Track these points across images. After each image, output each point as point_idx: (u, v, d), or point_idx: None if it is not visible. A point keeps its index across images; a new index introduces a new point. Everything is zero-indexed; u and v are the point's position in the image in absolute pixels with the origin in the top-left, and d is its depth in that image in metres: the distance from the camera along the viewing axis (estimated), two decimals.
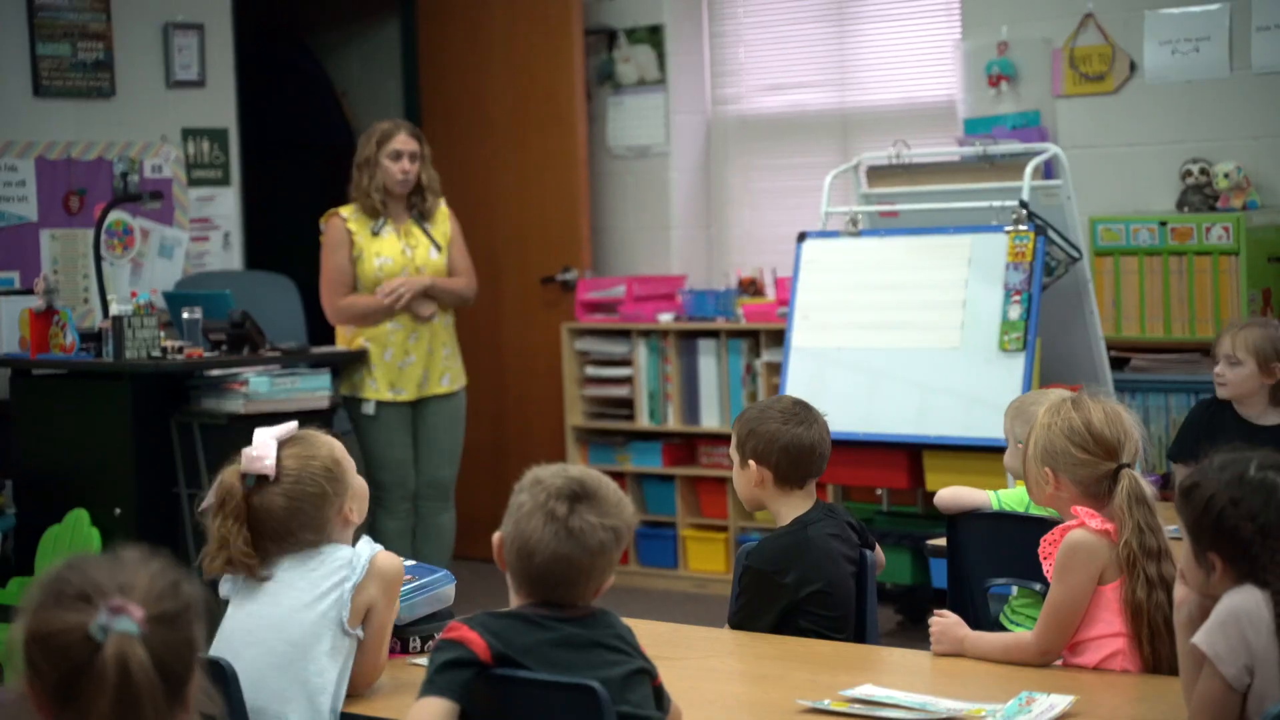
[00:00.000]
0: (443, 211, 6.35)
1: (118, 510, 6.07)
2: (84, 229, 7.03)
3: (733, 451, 3.56)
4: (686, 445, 7.29)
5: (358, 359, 6.48)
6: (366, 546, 2.97)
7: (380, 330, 6.24)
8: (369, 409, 6.27)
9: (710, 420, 7.13)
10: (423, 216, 6.29)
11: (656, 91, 7.65)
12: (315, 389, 6.11)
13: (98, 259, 6.85)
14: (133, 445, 6.07)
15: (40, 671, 2.00)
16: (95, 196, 7.07)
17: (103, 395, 6.20)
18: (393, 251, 6.22)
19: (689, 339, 7.18)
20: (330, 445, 3.01)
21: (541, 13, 7.65)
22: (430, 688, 2.50)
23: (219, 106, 7.48)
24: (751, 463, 3.49)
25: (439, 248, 6.29)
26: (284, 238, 8.48)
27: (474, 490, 7.71)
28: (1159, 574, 2.97)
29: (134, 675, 1.91)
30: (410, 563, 3.30)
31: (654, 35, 7.64)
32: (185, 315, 6.37)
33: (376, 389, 6.27)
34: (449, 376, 6.36)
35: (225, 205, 7.53)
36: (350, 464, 3.02)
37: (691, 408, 7.19)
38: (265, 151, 8.27)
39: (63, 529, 6.13)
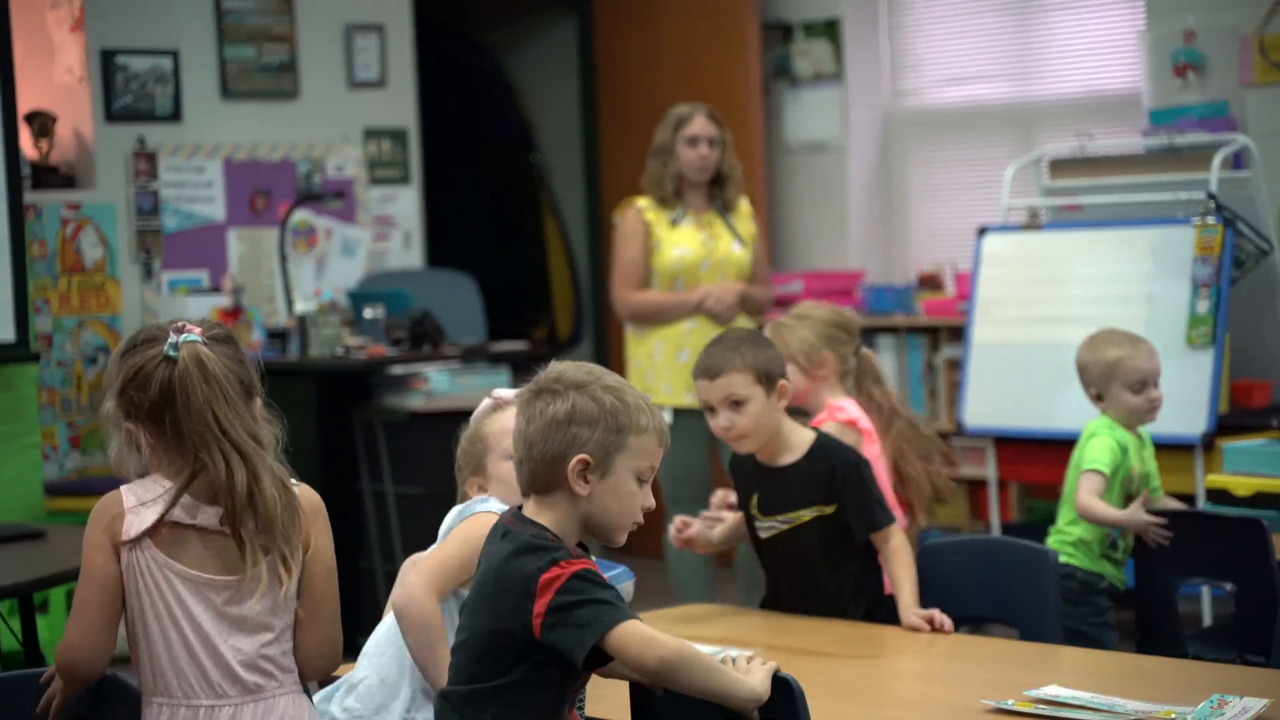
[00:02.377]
0: (745, 208, 5.87)
1: None
2: (269, 229, 7.16)
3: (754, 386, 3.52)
4: None
5: (535, 358, 6.44)
6: None
7: (675, 329, 5.76)
8: (667, 416, 5.32)
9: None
10: (725, 208, 5.82)
11: (833, 86, 7.61)
12: (495, 386, 6.16)
13: (283, 258, 6.98)
14: (316, 441, 6.17)
15: (136, 404, 2.55)
16: (280, 196, 7.20)
17: (287, 392, 6.27)
18: (692, 243, 5.76)
19: (867, 335, 7.09)
20: None
21: (717, 8, 7.64)
22: (618, 613, 2.43)
23: (399, 106, 7.58)
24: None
25: (742, 242, 5.81)
26: (463, 236, 8.57)
27: None
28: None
29: (209, 366, 2.62)
30: (594, 557, 3.31)
31: (830, 29, 7.59)
32: (367, 313, 6.47)
33: (671, 393, 5.70)
34: None
35: (406, 204, 7.62)
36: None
37: None
38: (444, 151, 8.36)
39: None
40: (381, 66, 7.49)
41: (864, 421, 4.02)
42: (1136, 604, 4.10)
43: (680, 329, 5.72)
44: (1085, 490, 4.00)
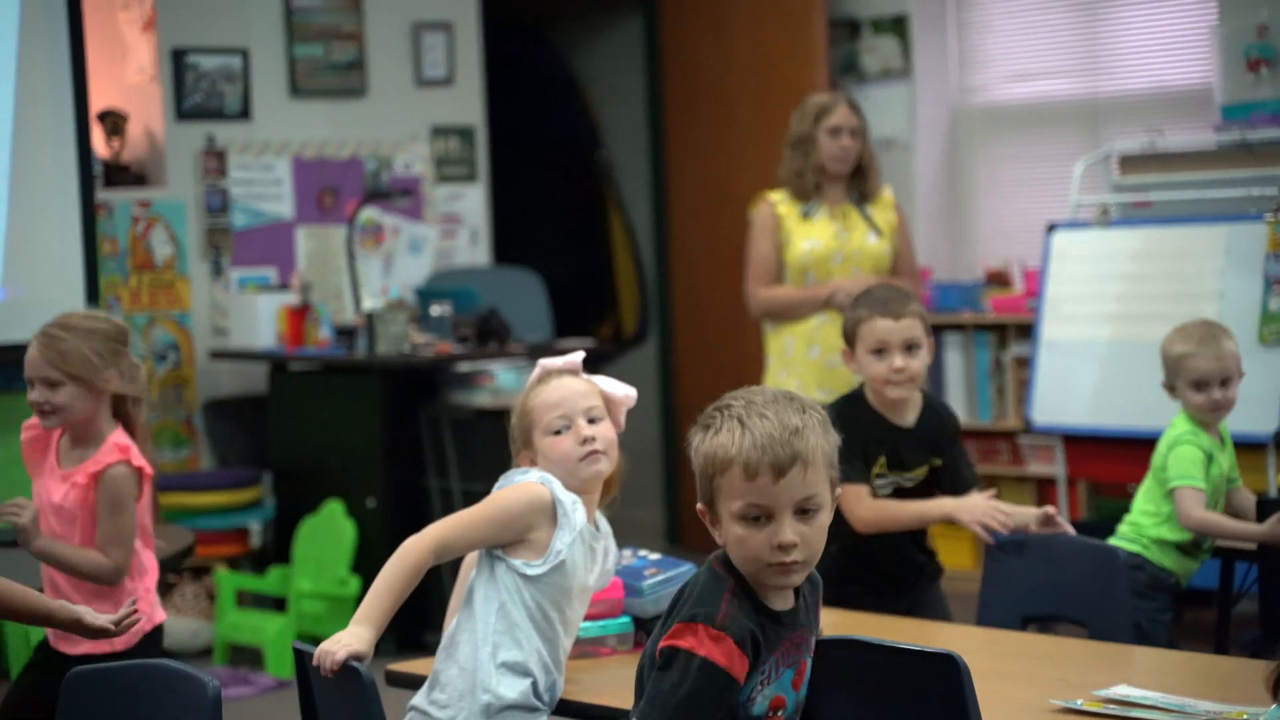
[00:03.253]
0: (887, 197, 5.62)
1: (371, 501, 6.20)
2: (337, 226, 7.19)
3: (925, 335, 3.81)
4: None
5: (600, 355, 6.45)
6: None
7: (806, 324, 5.53)
8: None
9: (958, 415, 7.02)
10: (863, 198, 5.58)
11: (900, 82, 7.58)
12: None
13: (350, 255, 7.01)
14: (384, 438, 6.20)
15: None
16: (347, 194, 7.23)
17: (355, 389, 6.34)
18: (824, 235, 5.53)
19: (935, 332, 7.08)
20: None
21: (785, 4, 7.62)
22: None
23: (467, 104, 7.60)
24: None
25: (879, 233, 5.56)
26: (529, 233, 8.58)
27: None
28: None
29: None
30: (655, 556, 3.32)
31: (898, 25, 7.56)
32: (434, 310, 6.49)
33: (801, 390, 5.63)
34: None
35: (472, 202, 7.64)
36: None
37: None
38: (511, 148, 8.38)
39: (319, 520, 6.29)
40: (449, 64, 7.52)
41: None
42: (1260, 612, 4.05)
43: (811, 324, 5.50)
44: (1192, 506, 3.97)
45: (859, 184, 5.56)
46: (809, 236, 5.52)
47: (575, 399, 3.08)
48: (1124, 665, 3.14)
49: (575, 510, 2.92)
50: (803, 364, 5.50)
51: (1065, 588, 3.58)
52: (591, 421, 3.13)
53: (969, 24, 7.56)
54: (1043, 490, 6.72)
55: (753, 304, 5.63)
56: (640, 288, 8.51)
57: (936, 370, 7.08)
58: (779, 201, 5.58)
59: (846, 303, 5.27)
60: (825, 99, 5.60)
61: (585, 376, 3.15)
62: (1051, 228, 6.15)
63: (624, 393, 3.10)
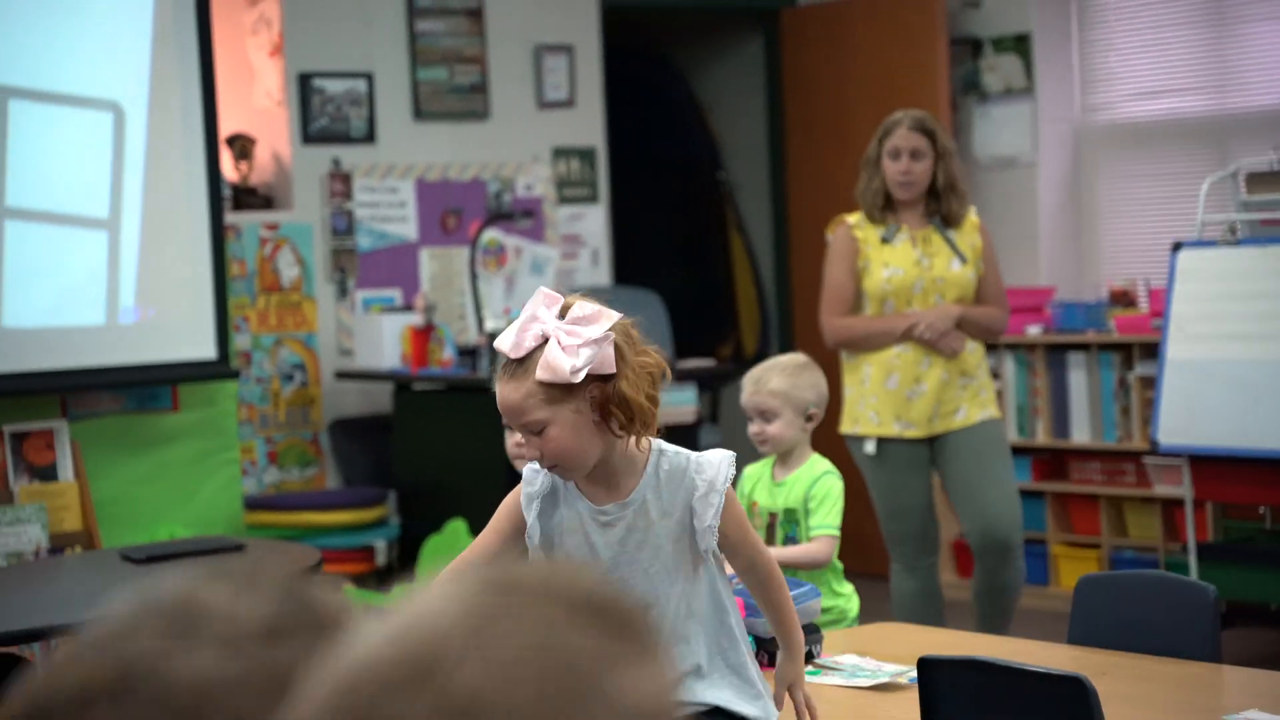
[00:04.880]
0: (972, 221, 5.25)
1: None
2: (460, 247, 7.26)
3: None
4: (1056, 460, 7.14)
5: (721, 375, 6.42)
6: None
7: (885, 354, 5.19)
8: (869, 447, 5.20)
9: (1081, 435, 6.97)
10: (946, 222, 5.21)
11: (1023, 100, 7.53)
12: (680, 403, 6.19)
13: (473, 276, 7.07)
14: (506, 457, 6.24)
15: None
16: (470, 215, 7.30)
17: (478, 408, 6.39)
18: (904, 261, 5.18)
19: (1058, 352, 7.04)
20: None
21: (905, 23, 7.60)
22: None
23: (588, 126, 7.65)
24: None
25: (964, 259, 5.20)
26: (650, 254, 8.61)
27: None
28: None
29: None
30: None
31: (1020, 43, 7.52)
32: None
33: (878, 422, 5.19)
34: (965, 410, 5.17)
35: (594, 223, 7.69)
36: None
37: (1061, 422, 7.04)
38: (631, 169, 8.41)
39: (442, 538, 6.34)
40: (570, 86, 7.57)
41: None
42: None
43: (889, 353, 5.17)
44: None
45: (938, 206, 5.19)
46: (889, 263, 5.18)
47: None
48: (1252, 690, 3.09)
49: (534, 480, 2.85)
50: (880, 394, 5.19)
51: (1154, 626, 3.50)
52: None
53: (1092, 41, 7.50)
54: (1169, 512, 6.64)
55: (826, 334, 5.32)
56: (761, 308, 8.51)
57: (1060, 390, 7.02)
58: (856, 225, 5.24)
59: (927, 335, 5.11)
60: (894, 117, 5.25)
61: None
62: (1177, 246, 6.08)
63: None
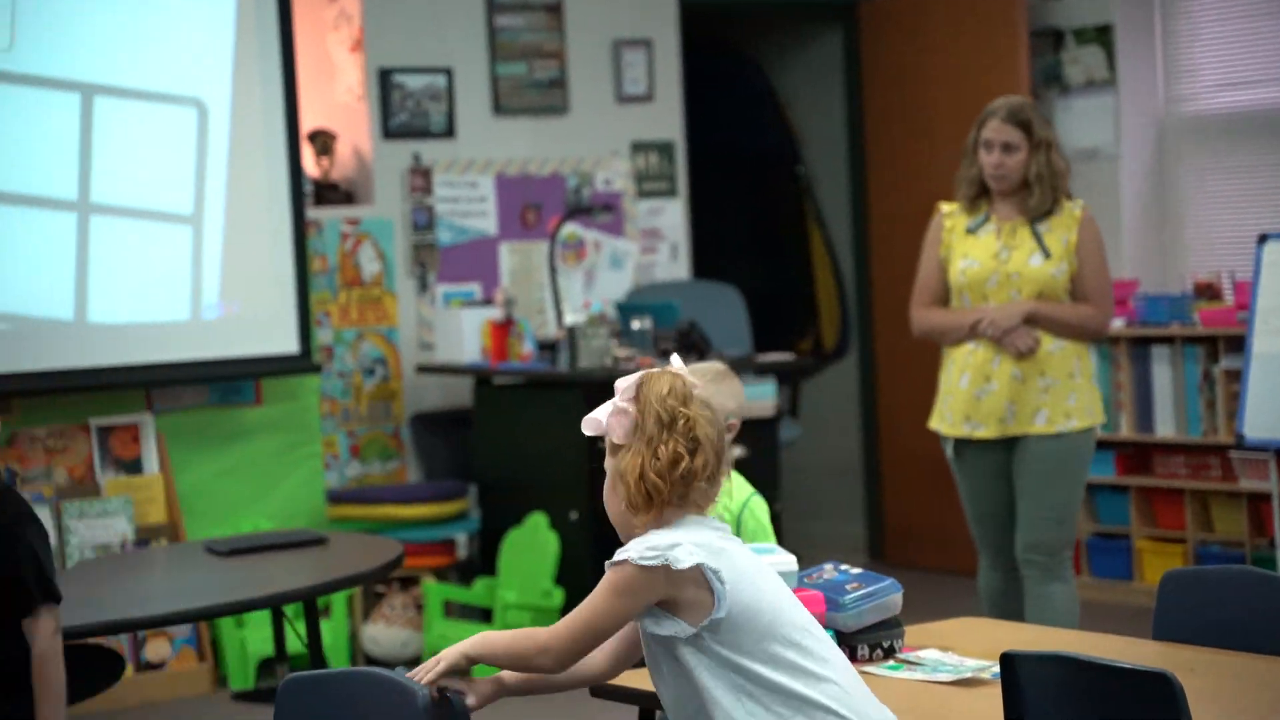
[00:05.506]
0: (1071, 214, 5.01)
1: (574, 514, 6.26)
2: (539, 242, 7.28)
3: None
4: (1140, 454, 7.08)
5: (801, 369, 6.41)
6: None
7: (959, 351, 5.04)
8: (947, 448, 5.09)
9: (1165, 429, 6.90)
10: (1037, 216, 5.00)
11: (1105, 92, 7.47)
12: (760, 397, 6.18)
13: (553, 270, 7.09)
14: (586, 451, 6.25)
15: None
16: (550, 210, 7.32)
17: (558, 402, 6.41)
18: (983, 254, 5.00)
19: (1142, 345, 6.98)
20: None
21: (985, 16, 7.56)
22: None
23: (667, 120, 7.65)
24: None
25: (1047, 254, 4.97)
26: (728, 248, 8.60)
27: (902, 495, 7.67)
28: None
29: None
30: (857, 570, 3.31)
31: (1102, 35, 7.46)
32: (635, 325, 6.53)
33: (951, 422, 5.05)
34: (1045, 414, 4.95)
35: (672, 217, 7.69)
36: None
37: (1145, 416, 6.98)
38: (710, 163, 8.41)
39: (522, 532, 6.37)
40: (649, 81, 7.57)
41: None
42: None
43: (962, 350, 5.02)
44: None
45: (1028, 199, 4.99)
46: (968, 255, 5.02)
47: None
48: None
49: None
50: (955, 392, 5.04)
51: (1239, 620, 3.45)
52: None
53: (1175, 32, 7.43)
54: (1255, 506, 6.57)
55: (911, 323, 5.20)
56: (840, 301, 8.49)
57: (1144, 384, 6.96)
58: (949, 213, 5.10)
59: (989, 331, 4.92)
60: (991, 106, 5.06)
61: None
62: (1263, 238, 6.01)
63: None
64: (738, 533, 3.48)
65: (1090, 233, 5.02)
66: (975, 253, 5.02)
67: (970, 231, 5.03)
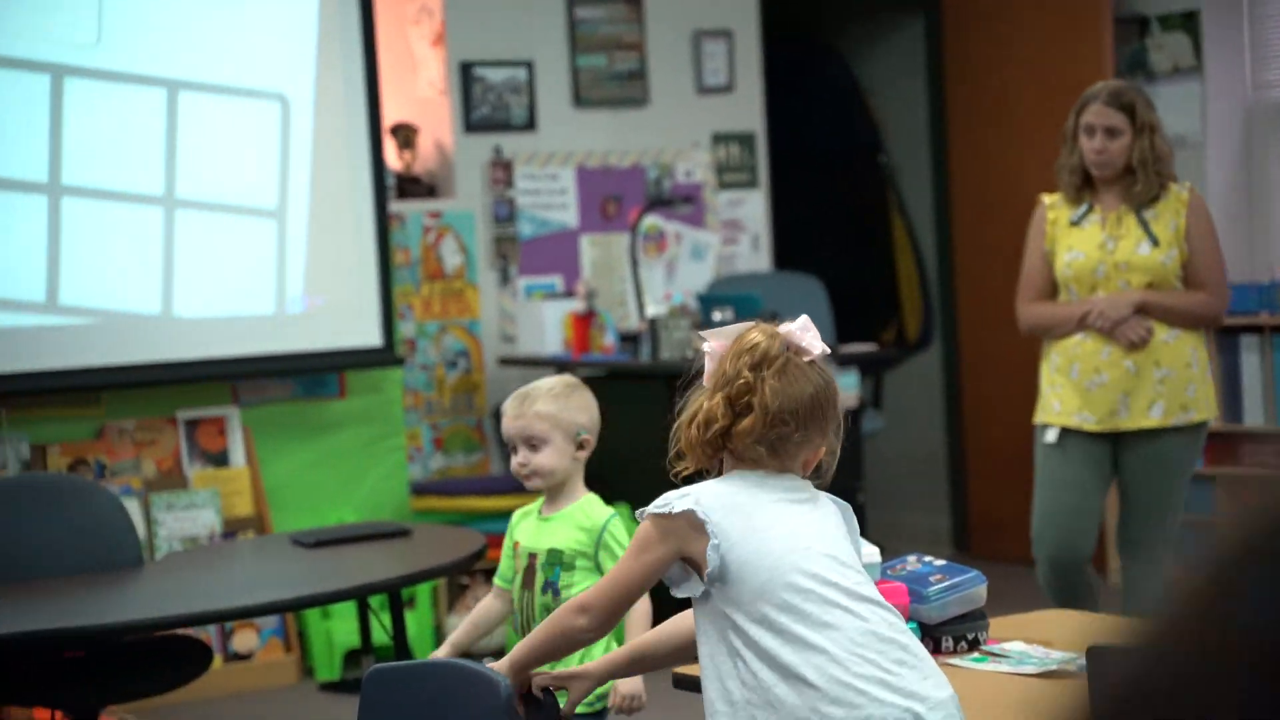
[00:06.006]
0: (1178, 198, 4.84)
1: None
2: (620, 233, 7.28)
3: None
4: (1227, 444, 7.01)
5: (884, 360, 6.36)
6: None
7: (1069, 341, 4.89)
8: (1050, 436, 4.91)
9: (1254, 418, 6.83)
10: (1142, 202, 4.83)
11: (1191, 79, 7.38)
12: (842, 388, 6.14)
13: (633, 262, 7.09)
14: (668, 443, 6.24)
15: None
16: (630, 202, 7.32)
17: (639, 394, 6.41)
18: (1088, 245, 4.85)
19: (1229, 334, 6.90)
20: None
21: (1069, 2, 7.49)
22: None
23: (747, 111, 7.63)
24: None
25: (1155, 242, 4.80)
26: (810, 238, 8.58)
27: (987, 487, 7.62)
28: None
29: None
30: (941, 562, 3.29)
31: (1188, 21, 7.37)
32: (716, 316, 6.52)
33: (1060, 411, 4.89)
34: (1161, 406, 4.81)
35: (754, 208, 7.67)
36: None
37: (1233, 405, 6.90)
38: (791, 154, 8.39)
39: None
40: (729, 72, 7.56)
41: None
42: None
43: (1072, 341, 4.86)
44: None
45: (1132, 186, 4.83)
46: (1072, 247, 4.87)
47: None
48: None
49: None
50: (1065, 384, 4.88)
51: None
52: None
53: (1263, 18, 7.33)
54: None
55: (1018, 319, 5.07)
56: (923, 292, 8.44)
57: (1232, 373, 6.89)
58: (1051, 204, 4.96)
59: (1098, 323, 4.78)
60: (1090, 90, 4.90)
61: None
62: None
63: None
64: (597, 556, 3.40)
65: (1199, 216, 4.85)
66: (1080, 244, 4.86)
67: (1074, 223, 4.88)
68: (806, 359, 2.68)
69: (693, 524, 2.58)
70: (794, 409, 2.64)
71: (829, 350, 2.74)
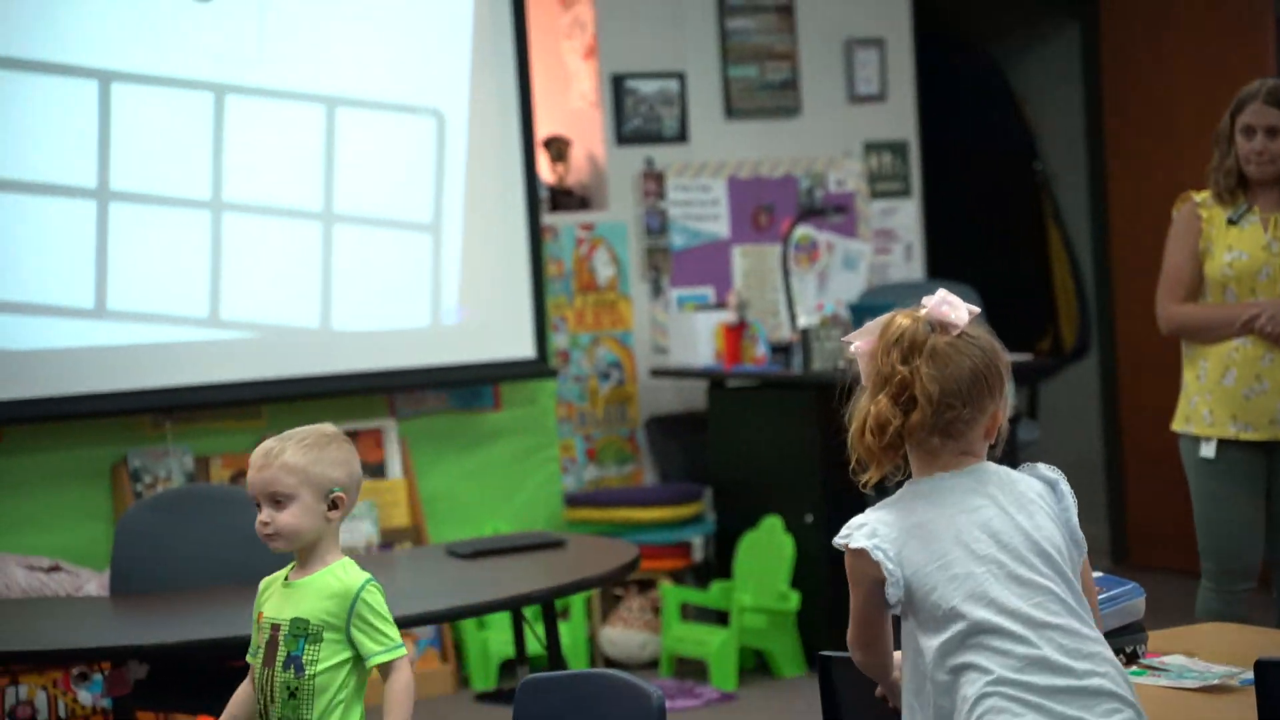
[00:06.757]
0: None
1: (809, 517, 6.24)
2: (772, 244, 7.27)
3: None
4: None
5: (1040, 369, 6.24)
6: None
7: (1223, 347, 4.70)
8: (1207, 450, 4.72)
9: None
10: None
11: None
12: None
13: (785, 273, 7.08)
14: (820, 454, 6.23)
15: None
16: (782, 212, 7.31)
17: (792, 405, 6.40)
18: (1251, 245, 4.67)
19: None
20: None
21: (1230, 4, 7.36)
22: None
23: (899, 119, 7.59)
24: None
25: None
26: (964, 246, 8.50)
27: (1147, 496, 7.49)
28: None
29: None
30: (1098, 574, 3.25)
31: None
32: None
33: (1211, 422, 4.72)
34: None
35: (906, 217, 7.63)
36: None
37: None
38: (945, 161, 8.32)
39: (758, 535, 6.37)
40: (882, 80, 7.52)
41: None
42: None
43: (1228, 346, 4.69)
44: None
45: None
46: (1233, 246, 4.69)
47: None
48: None
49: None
50: (1217, 391, 4.70)
51: None
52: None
53: None
54: None
55: (1161, 320, 4.85)
56: (1080, 300, 8.34)
57: None
58: (1203, 203, 4.77)
59: (1268, 328, 4.61)
60: (1249, 88, 4.74)
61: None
62: None
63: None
64: (348, 628, 3.00)
65: None
66: (1241, 244, 4.69)
67: (1232, 222, 4.70)
68: (955, 332, 2.63)
69: (871, 560, 2.56)
70: (955, 389, 2.59)
71: (976, 311, 2.68)
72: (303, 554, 3.05)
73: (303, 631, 3.00)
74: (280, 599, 3.06)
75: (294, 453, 3.00)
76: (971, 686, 2.48)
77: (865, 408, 2.64)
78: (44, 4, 5.92)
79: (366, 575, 3.03)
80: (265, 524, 3.01)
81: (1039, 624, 2.51)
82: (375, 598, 3.01)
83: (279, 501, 3.00)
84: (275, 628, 3.02)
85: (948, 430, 2.59)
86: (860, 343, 2.69)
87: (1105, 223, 8.06)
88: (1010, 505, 2.61)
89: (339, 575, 3.02)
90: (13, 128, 5.88)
